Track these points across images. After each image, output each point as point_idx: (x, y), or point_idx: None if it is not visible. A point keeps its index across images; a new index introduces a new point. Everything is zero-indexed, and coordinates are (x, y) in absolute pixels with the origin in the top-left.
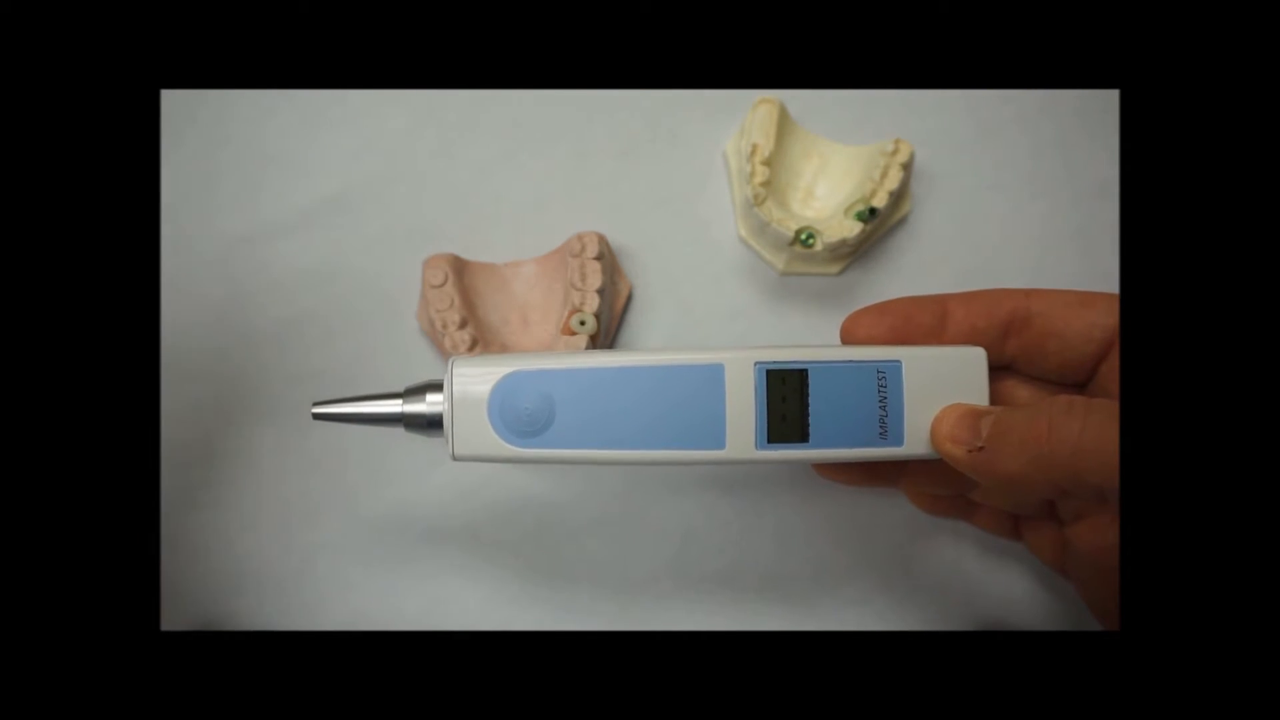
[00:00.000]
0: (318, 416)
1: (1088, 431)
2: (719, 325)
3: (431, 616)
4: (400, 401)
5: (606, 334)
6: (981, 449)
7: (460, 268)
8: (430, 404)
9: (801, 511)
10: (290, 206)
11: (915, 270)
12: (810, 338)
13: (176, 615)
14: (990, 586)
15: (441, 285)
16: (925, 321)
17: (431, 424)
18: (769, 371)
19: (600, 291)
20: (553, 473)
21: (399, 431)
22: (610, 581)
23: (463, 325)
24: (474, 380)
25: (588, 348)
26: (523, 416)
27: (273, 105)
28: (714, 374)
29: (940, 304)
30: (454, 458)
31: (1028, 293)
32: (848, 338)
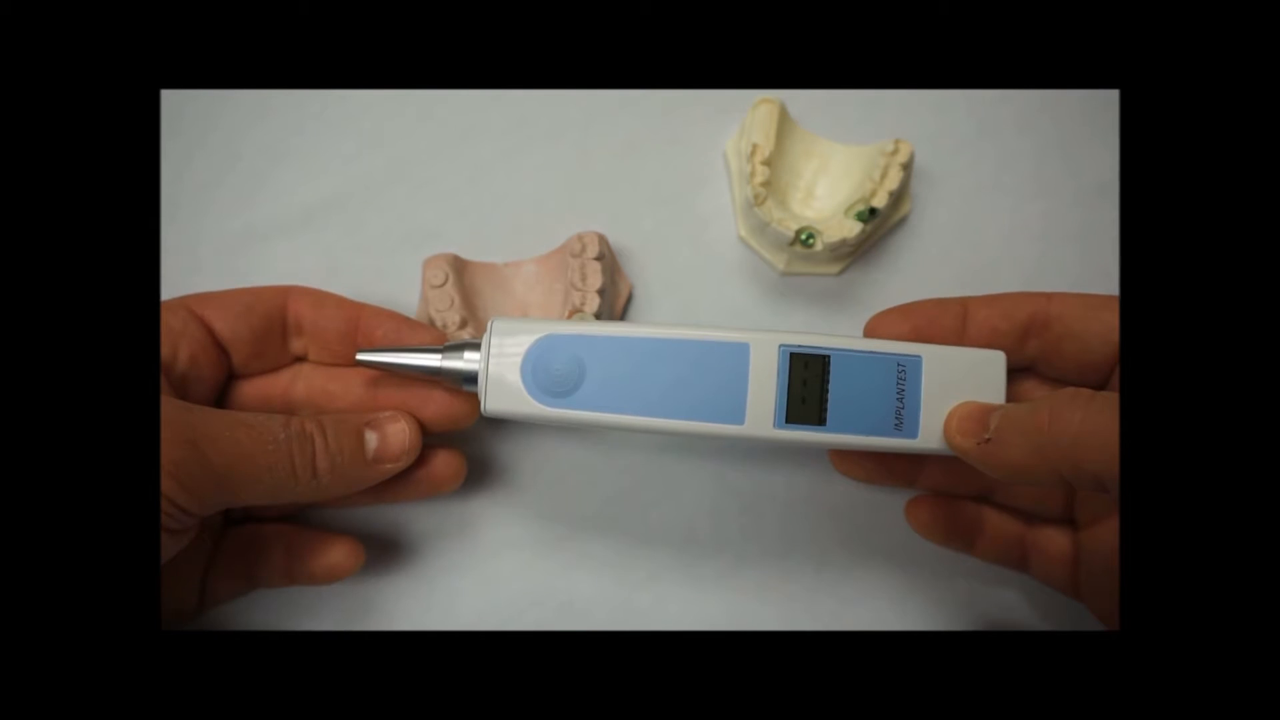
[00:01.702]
0: (360, 363)
1: (1089, 420)
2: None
3: (431, 616)
4: (440, 355)
5: None
6: (989, 441)
7: (460, 268)
8: (468, 360)
9: (802, 512)
10: (290, 206)
11: (915, 270)
12: None
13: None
14: (991, 586)
15: (442, 285)
16: (947, 323)
17: (467, 379)
18: (793, 354)
19: (601, 292)
20: (554, 472)
21: None
22: (610, 582)
23: (463, 325)
24: (511, 338)
25: None
26: (554, 376)
27: (272, 105)
28: (739, 352)
29: (962, 305)
30: (484, 413)
31: (1049, 296)
32: (870, 337)
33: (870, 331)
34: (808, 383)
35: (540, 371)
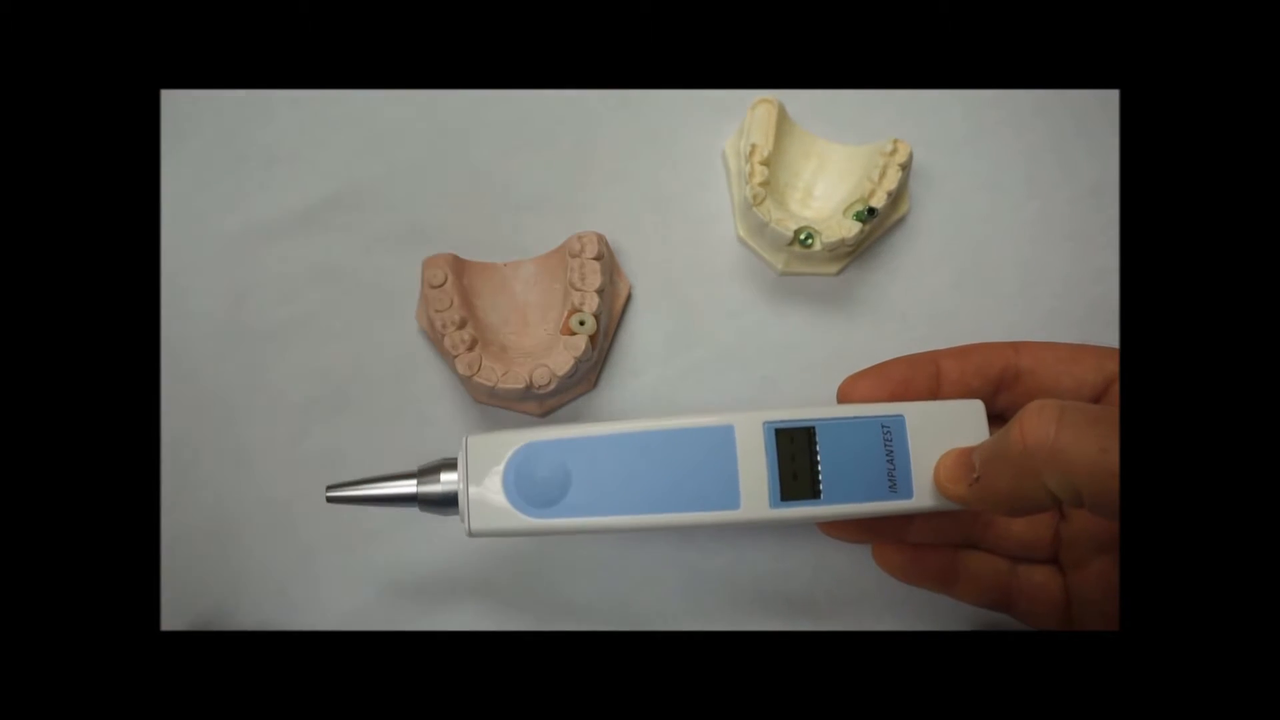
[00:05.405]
0: (332, 500)
1: (1062, 433)
2: (718, 325)
3: (430, 617)
4: (414, 482)
5: (606, 334)
6: (979, 480)
7: (460, 268)
8: (445, 483)
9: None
10: (290, 206)
11: (913, 270)
12: (809, 337)
13: (176, 615)
14: None
15: (441, 285)
16: (920, 385)
17: (446, 502)
18: (778, 430)
19: (600, 291)
20: None
21: (399, 432)
22: (609, 582)
23: (462, 325)
24: (489, 453)
25: (587, 348)
26: (539, 485)
27: (273, 105)
28: (725, 435)
29: (933, 363)
30: (470, 533)
31: (1017, 347)
32: (845, 401)
33: (844, 395)
34: (797, 457)
35: (524, 482)
